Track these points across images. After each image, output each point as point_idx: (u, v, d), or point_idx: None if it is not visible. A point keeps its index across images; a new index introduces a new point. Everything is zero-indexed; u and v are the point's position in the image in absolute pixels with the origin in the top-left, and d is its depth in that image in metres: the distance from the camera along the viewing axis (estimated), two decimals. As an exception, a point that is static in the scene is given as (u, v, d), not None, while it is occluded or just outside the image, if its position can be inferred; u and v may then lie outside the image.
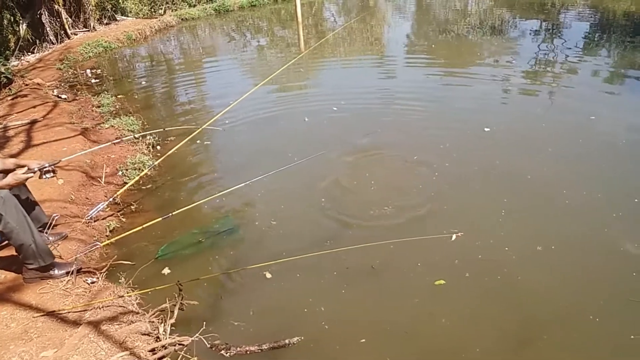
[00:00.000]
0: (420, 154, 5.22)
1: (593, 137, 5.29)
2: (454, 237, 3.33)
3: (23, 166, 3.33)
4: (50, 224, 3.81)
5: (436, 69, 8.59)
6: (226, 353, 2.89)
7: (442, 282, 3.38)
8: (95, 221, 4.24)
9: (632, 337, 2.88)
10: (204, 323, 2.93)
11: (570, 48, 9.02)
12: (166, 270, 3.69)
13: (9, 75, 8.49)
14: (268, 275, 3.57)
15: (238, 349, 2.91)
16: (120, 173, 5.17)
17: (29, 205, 3.57)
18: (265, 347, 2.93)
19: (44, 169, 3.43)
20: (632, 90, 6.77)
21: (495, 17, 12.98)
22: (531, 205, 4.21)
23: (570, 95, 6.70)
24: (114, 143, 5.35)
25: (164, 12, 16.41)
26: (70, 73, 10.18)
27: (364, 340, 3.00)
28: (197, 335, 2.81)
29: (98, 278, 3.44)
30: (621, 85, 7.02)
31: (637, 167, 4.66)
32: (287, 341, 2.95)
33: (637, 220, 3.90)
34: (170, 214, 3.79)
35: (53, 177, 3.54)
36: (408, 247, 3.67)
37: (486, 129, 5.63)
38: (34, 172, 3.34)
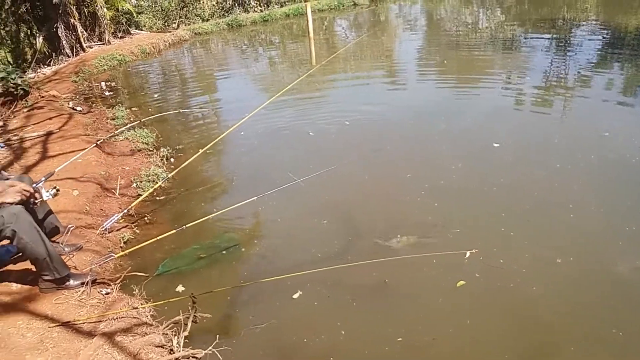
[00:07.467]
0: (428, 169, 5.23)
1: (605, 154, 5.24)
2: (467, 254, 3.31)
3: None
4: (66, 235, 3.86)
5: (447, 83, 8.62)
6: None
7: (463, 282, 3.46)
8: (109, 232, 4.28)
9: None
10: (217, 336, 2.93)
11: (582, 64, 9.00)
12: (180, 288, 3.69)
13: (25, 87, 8.65)
14: (295, 295, 3.53)
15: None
16: (134, 185, 5.22)
17: (45, 215, 3.62)
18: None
19: (43, 190, 3.43)
20: (645, 107, 6.73)
21: (506, 32, 13.02)
22: (539, 221, 4.18)
23: (583, 111, 6.67)
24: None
25: (178, 26, 16.68)
26: (85, 85, 10.36)
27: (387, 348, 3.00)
28: (210, 348, 2.82)
29: (112, 289, 3.48)
30: (635, 101, 6.98)
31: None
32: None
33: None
34: (184, 227, 3.82)
35: (57, 194, 3.52)
36: (420, 264, 3.65)
37: (495, 145, 5.62)
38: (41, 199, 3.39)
